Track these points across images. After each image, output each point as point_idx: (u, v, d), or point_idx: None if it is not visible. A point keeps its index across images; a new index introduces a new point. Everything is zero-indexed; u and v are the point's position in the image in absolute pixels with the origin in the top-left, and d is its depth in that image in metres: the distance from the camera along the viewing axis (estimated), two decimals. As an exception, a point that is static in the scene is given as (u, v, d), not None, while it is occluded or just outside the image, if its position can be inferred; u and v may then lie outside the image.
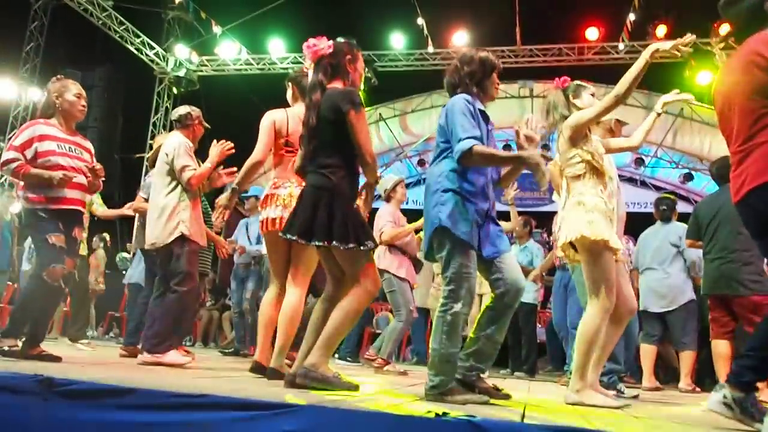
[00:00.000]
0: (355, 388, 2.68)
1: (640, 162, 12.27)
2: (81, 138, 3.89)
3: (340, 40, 3.10)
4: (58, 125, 3.73)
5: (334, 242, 2.78)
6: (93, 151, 3.95)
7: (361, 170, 3.02)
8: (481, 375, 2.92)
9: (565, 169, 3.25)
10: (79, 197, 3.73)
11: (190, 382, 2.63)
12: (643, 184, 13.40)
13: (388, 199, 5.63)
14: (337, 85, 3.02)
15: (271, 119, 3.73)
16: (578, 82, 3.45)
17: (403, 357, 9.35)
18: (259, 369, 3.57)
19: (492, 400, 2.74)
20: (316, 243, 2.82)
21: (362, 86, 3.22)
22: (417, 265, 5.56)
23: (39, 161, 3.58)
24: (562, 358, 6.37)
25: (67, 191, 3.65)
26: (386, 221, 5.42)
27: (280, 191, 3.61)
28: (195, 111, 4.41)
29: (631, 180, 13.25)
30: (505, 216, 6.48)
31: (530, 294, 6.43)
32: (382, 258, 5.38)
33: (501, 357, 5.68)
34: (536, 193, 13.46)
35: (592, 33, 11.07)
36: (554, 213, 6.70)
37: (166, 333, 3.92)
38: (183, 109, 4.39)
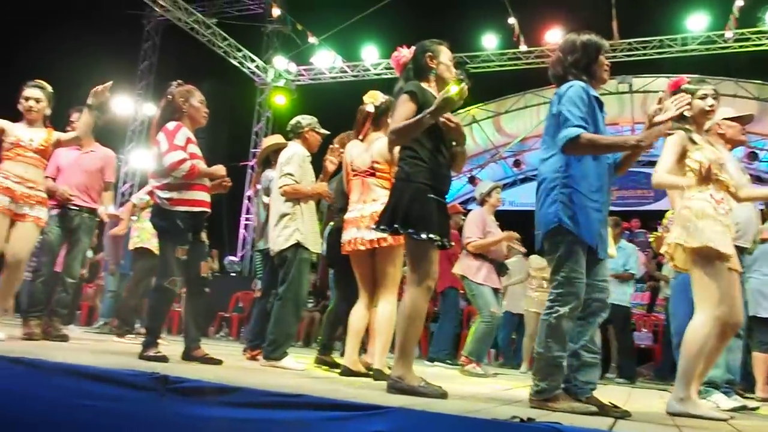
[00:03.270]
0: (443, 395, 2.69)
1: (753, 156, 11.50)
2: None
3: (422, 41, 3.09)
4: (190, 129, 3.77)
5: (395, 226, 2.80)
6: None
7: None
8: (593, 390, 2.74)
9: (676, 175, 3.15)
10: (208, 200, 3.81)
11: (289, 382, 2.80)
12: (758, 179, 12.55)
13: (482, 202, 5.65)
14: (423, 84, 3.00)
15: (343, 156, 4.15)
16: (687, 88, 3.17)
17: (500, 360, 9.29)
18: (347, 373, 3.77)
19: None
20: (382, 228, 2.89)
21: (458, 75, 3.20)
22: (501, 270, 5.54)
23: None
24: (672, 367, 6.06)
25: (200, 193, 3.72)
26: (473, 230, 5.44)
27: (353, 214, 3.85)
28: (305, 119, 4.50)
29: (744, 176, 12.44)
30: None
31: (624, 296, 6.21)
32: (460, 262, 5.47)
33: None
34: (639, 191, 12.95)
35: (696, 22, 10.52)
36: (658, 212, 6.43)
37: (279, 340, 4.06)
38: (294, 119, 4.54)
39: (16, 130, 4.09)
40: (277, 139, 5.38)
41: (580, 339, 2.75)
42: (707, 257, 2.92)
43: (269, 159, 5.13)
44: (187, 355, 3.70)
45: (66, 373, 2.41)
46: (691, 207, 3.00)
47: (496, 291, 5.38)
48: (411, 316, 2.82)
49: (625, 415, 2.58)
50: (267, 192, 5.06)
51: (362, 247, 3.71)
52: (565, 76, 2.83)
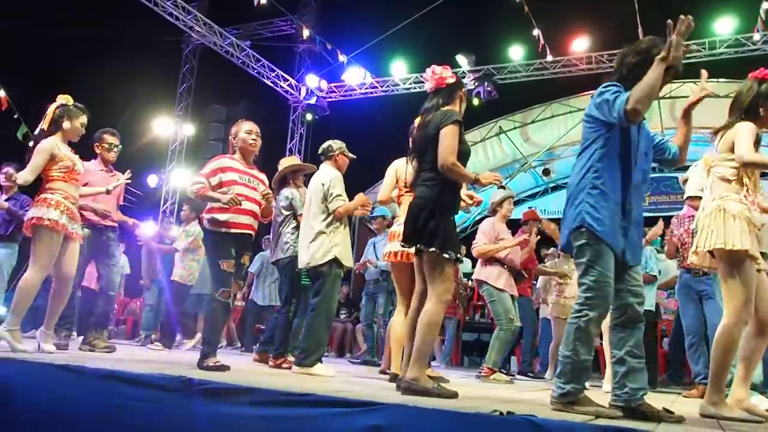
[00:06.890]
0: (455, 396, 2.90)
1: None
2: (257, 171, 4.31)
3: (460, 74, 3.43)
4: (239, 160, 4.19)
5: (421, 245, 3.09)
6: (266, 180, 4.39)
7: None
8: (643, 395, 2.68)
9: (716, 167, 3.14)
10: (250, 223, 4.10)
11: (302, 384, 3.05)
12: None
13: (493, 212, 5.84)
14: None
15: (393, 168, 4.38)
16: None
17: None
18: (395, 379, 3.98)
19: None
20: (413, 245, 3.16)
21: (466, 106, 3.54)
22: (518, 279, 5.71)
23: (222, 189, 4.04)
24: (680, 370, 6.13)
25: (242, 217, 4.02)
26: (481, 237, 5.64)
27: (400, 228, 3.98)
28: (336, 143, 4.78)
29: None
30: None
31: (648, 301, 6.25)
32: (480, 270, 5.65)
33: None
34: (671, 196, 12.88)
35: (723, 25, 10.49)
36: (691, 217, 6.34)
37: (311, 348, 4.32)
38: (326, 143, 4.81)
39: (66, 151, 4.23)
40: (293, 160, 5.72)
41: (624, 345, 2.74)
42: (740, 260, 2.94)
43: (286, 178, 5.46)
44: (200, 365, 3.82)
45: (106, 378, 2.73)
46: (726, 209, 2.99)
47: (512, 298, 5.55)
48: (429, 325, 3.09)
49: (680, 420, 2.58)
50: (288, 208, 5.30)
51: (407, 260, 4.11)
52: (616, 72, 2.86)
